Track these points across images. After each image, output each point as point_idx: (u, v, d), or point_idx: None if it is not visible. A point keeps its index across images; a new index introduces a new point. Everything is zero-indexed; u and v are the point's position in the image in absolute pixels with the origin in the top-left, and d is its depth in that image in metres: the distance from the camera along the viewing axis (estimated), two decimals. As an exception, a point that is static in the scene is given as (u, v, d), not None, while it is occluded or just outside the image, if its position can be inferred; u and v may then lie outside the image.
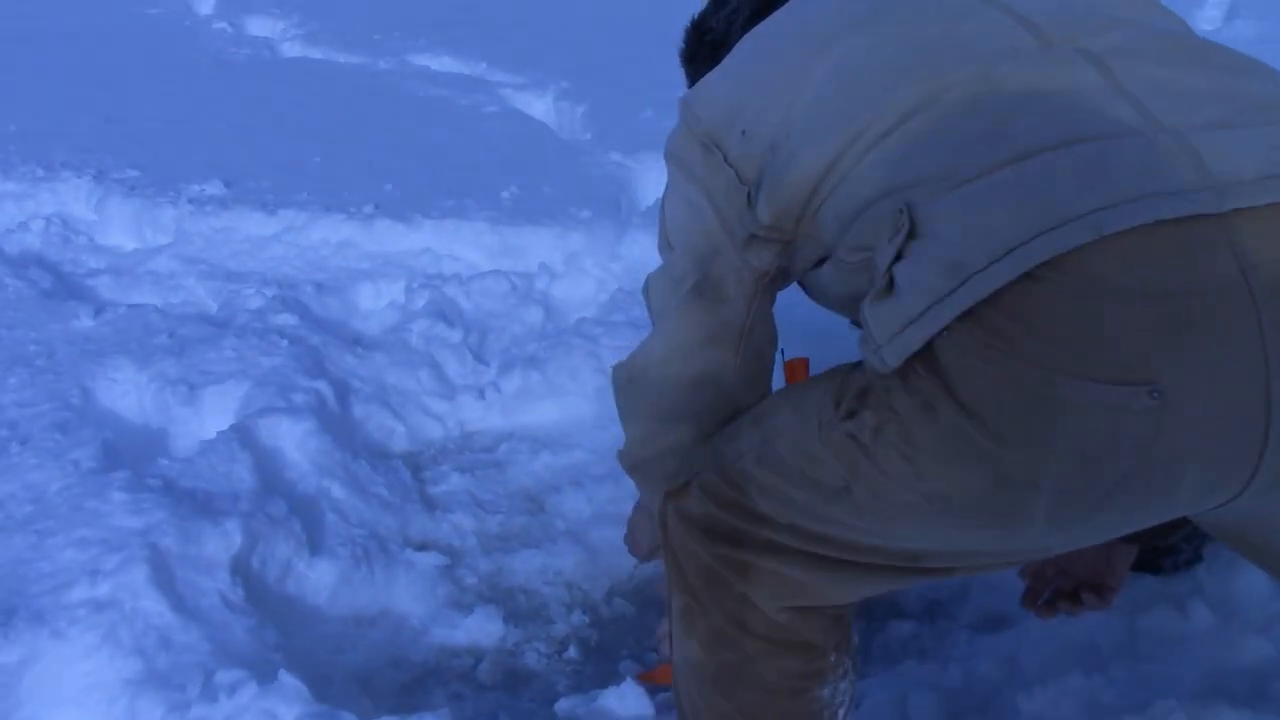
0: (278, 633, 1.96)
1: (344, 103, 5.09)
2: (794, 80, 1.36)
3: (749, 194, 1.37)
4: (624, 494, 2.55)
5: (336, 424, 2.58)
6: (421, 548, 2.37)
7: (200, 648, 1.82)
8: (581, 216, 3.51)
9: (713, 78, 1.50)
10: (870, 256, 1.22)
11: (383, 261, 3.46)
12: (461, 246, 3.48)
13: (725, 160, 1.40)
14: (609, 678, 2.18)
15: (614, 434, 2.73)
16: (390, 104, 5.05)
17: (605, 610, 2.35)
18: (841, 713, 1.47)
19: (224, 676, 1.74)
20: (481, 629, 2.19)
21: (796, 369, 2.24)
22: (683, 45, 1.81)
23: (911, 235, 1.14)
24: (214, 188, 3.91)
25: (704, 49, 1.73)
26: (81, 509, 2.04)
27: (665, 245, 1.56)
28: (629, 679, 1.95)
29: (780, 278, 1.46)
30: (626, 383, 1.61)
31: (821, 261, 1.36)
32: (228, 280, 3.38)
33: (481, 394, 2.88)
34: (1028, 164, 1.11)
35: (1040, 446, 1.11)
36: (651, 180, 4.08)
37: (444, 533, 2.45)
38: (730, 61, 1.50)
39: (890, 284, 1.15)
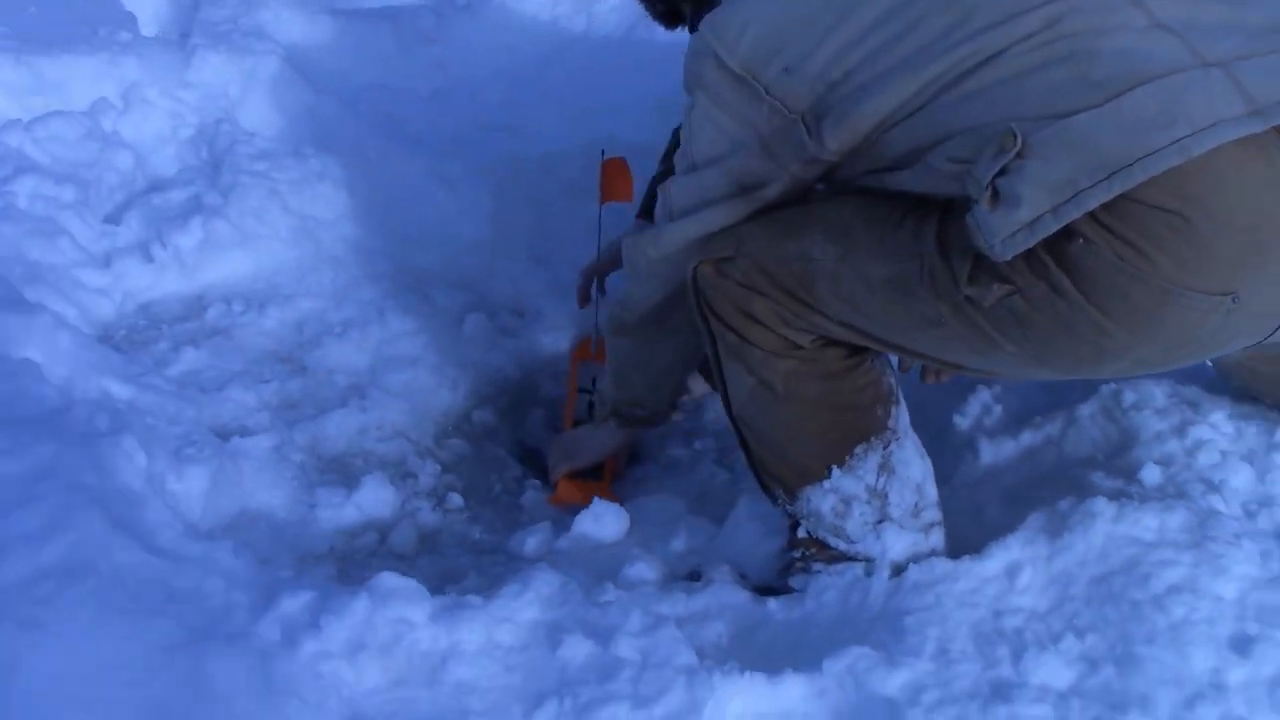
0: (262, 544, 1.63)
1: None
2: (838, 21, 1.49)
3: (804, 123, 1.52)
4: (391, 334, 2.37)
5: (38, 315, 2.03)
6: (235, 434, 2.02)
7: (218, 589, 1.46)
8: (121, 39, 2.94)
9: (737, 11, 1.57)
10: (966, 169, 1.39)
11: None
12: (-27, 87, 2.75)
13: (766, 92, 1.53)
14: (513, 513, 2.11)
15: (330, 276, 2.50)
16: None
17: (445, 454, 2.22)
18: (894, 382, 1.69)
19: (290, 604, 1.44)
20: (369, 501, 1.98)
21: (612, 169, 2.26)
22: None
23: (1019, 155, 1.34)
24: None
25: None
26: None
27: (687, 160, 1.67)
28: (596, 499, 1.92)
29: (821, 179, 1.62)
30: (655, 253, 1.73)
31: (896, 168, 1.51)
32: None
33: (147, 255, 2.41)
34: (1120, 101, 1.33)
35: (1143, 334, 1.40)
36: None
37: (232, 414, 2.11)
38: None
39: (995, 194, 1.35)
